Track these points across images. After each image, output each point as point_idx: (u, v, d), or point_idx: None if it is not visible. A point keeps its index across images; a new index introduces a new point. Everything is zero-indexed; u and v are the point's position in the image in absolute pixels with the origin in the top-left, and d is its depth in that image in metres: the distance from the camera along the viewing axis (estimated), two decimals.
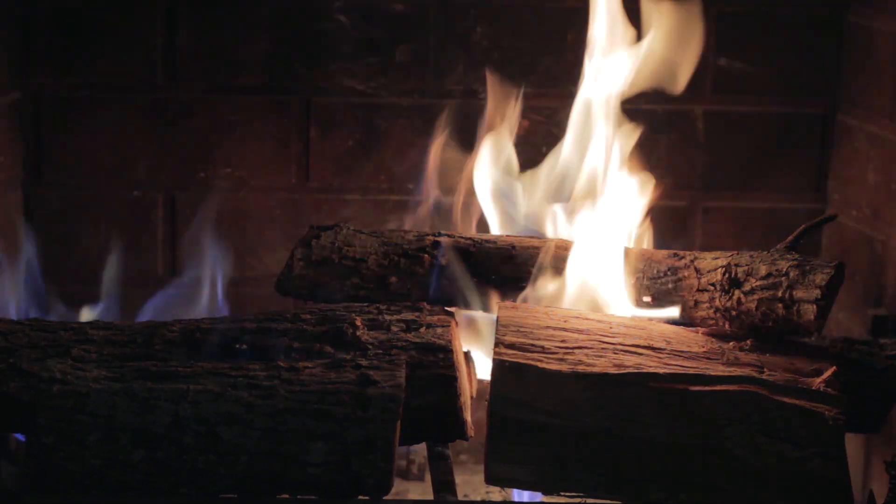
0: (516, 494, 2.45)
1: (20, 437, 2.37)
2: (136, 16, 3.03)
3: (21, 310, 2.83)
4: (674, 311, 2.38)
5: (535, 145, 3.00)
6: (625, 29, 2.65)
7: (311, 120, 3.09)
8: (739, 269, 2.32)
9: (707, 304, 2.35)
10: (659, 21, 2.65)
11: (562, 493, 2.14)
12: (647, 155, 2.94)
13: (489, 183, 2.67)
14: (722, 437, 2.12)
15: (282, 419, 2.08)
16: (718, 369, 2.17)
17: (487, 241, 2.48)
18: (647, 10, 2.65)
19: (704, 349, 2.25)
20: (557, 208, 2.64)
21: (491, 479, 2.15)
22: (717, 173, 3.14)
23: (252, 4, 3.05)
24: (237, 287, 3.10)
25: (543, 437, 2.12)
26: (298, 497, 2.09)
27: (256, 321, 2.30)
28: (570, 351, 2.18)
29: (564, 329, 2.25)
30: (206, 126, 3.08)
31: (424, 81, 3.07)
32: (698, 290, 2.36)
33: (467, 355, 2.40)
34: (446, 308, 2.39)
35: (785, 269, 2.28)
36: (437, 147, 2.74)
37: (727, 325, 2.34)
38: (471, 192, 2.67)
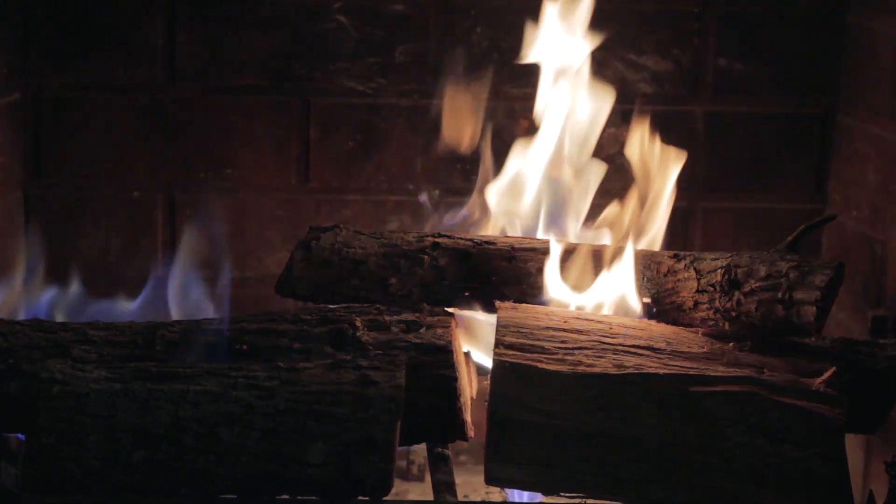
0: (516, 495, 2.45)
1: (20, 437, 2.37)
2: (135, 16, 3.03)
3: (22, 310, 2.83)
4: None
5: None
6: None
7: (311, 120, 3.09)
8: (739, 270, 2.32)
9: (707, 305, 2.35)
10: None
11: (562, 494, 2.15)
12: None
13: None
14: (722, 437, 2.12)
15: (282, 420, 2.08)
16: (718, 370, 2.17)
17: (487, 241, 2.48)
18: None
19: (705, 350, 2.25)
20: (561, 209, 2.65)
21: (491, 480, 2.15)
22: (717, 173, 3.14)
23: (252, 4, 3.05)
24: (237, 287, 3.11)
25: (543, 437, 2.12)
26: (298, 497, 2.09)
27: (256, 322, 2.30)
28: (571, 351, 2.18)
29: (564, 329, 2.25)
30: (206, 126, 3.08)
31: (424, 81, 3.07)
32: (698, 290, 2.36)
33: (467, 355, 2.40)
34: (446, 309, 2.39)
35: (784, 270, 2.28)
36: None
37: (727, 326, 2.34)
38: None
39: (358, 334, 2.26)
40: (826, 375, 2.18)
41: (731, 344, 2.29)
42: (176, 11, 3.04)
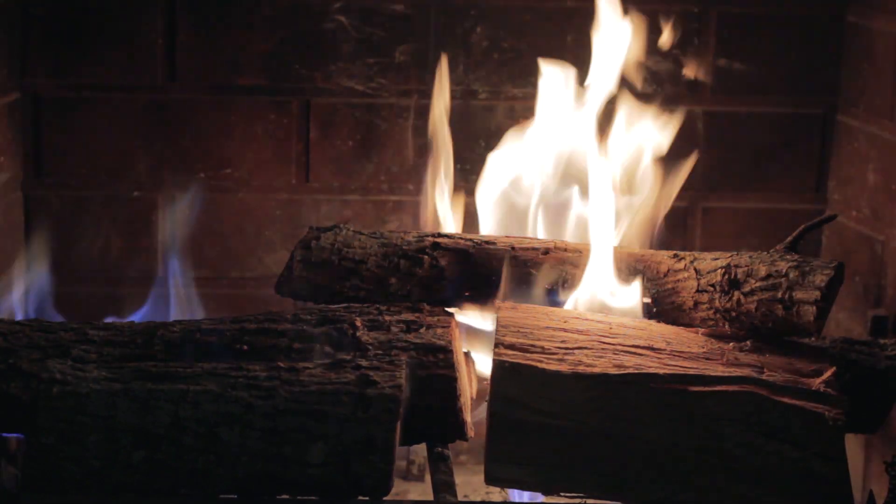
0: (516, 495, 2.45)
1: (20, 437, 2.37)
2: (135, 16, 3.03)
3: (22, 310, 2.83)
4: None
5: None
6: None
7: (311, 120, 3.09)
8: (739, 270, 2.32)
9: (707, 305, 2.35)
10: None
11: (562, 494, 2.14)
12: None
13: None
14: (722, 437, 2.12)
15: (282, 420, 2.08)
16: (718, 370, 2.17)
17: (487, 241, 2.47)
18: None
19: (704, 350, 2.25)
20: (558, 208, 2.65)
21: (491, 480, 2.15)
22: (717, 173, 3.14)
23: (252, 4, 3.05)
24: (237, 287, 3.11)
25: (543, 437, 2.12)
26: (298, 497, 2.09)
27: (256, 322, 2.30)
28: (570, 351, 2.18)
29: (564, 329, 2.25)
30: (206, 126, 3.08)
31: (424, 81, 3.07)
32: (698, 290, 2.36)
33: (467, 355, 2.40)
34: (446, 309, 2.39)
35: (784, 270, 2.28)
36: None
37: (727, 326, 2.34)
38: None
39: (358, 334, 2.26)
40: (826, 375, 2.18)
41: (731, 344, 2.29)
42: (176, 11, 3.04)
